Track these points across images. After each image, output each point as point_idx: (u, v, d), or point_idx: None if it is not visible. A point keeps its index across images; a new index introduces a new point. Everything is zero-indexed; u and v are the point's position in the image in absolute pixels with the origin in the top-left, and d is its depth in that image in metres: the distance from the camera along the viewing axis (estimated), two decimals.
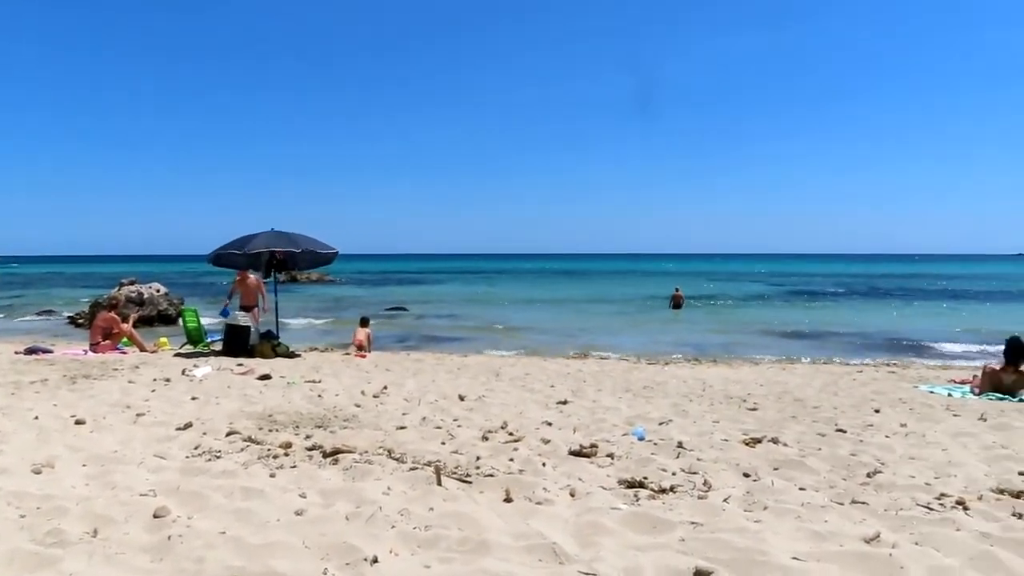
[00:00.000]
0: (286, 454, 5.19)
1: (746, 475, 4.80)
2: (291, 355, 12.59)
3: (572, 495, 4.29)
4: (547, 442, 5.73)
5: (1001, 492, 4.34)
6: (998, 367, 8.92)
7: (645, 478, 4.63)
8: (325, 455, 5.13)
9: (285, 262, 14.31)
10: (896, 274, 75.37)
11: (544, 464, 5.02)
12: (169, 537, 3.48)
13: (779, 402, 8.13)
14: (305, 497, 4.15)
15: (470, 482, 4.50)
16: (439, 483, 4.41)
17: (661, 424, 6.64)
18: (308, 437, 5.76)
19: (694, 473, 4.82)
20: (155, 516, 3.76)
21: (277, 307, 14.45)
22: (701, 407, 7.67)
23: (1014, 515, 3.89)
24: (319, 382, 9.21)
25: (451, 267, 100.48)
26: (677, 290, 31.33)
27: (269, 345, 12.51)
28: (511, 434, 6.04)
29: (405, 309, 30.14)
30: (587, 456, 5.27)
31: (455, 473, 4.70)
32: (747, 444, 5.70)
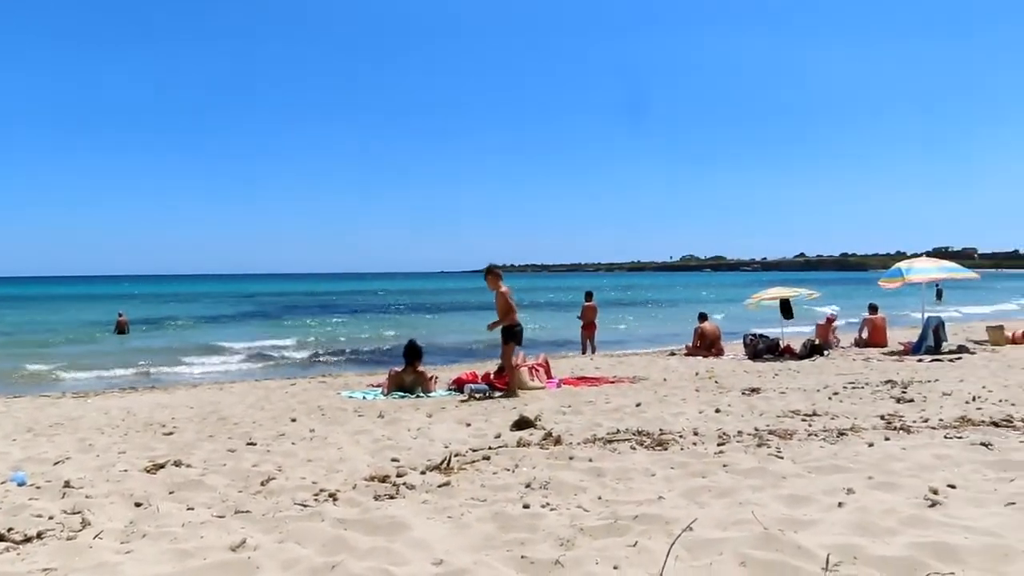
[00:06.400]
0: None
1: (138, 504, 4.55)
2: None
3: None
4: None
5: (372, 479, 4.91)
6: (400, 369, 10.22)
7: (10, 529, 4.03)
8: None
9: None
10: (342, 291, 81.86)
11: None
12: None
13: (202, 423, 8.00)
14: None
15: None
16: None
17: (56, 463, 5.93)
18: None
19: (77, 512, 4.37)
20: None
21: None
22: (112, 438, 7.10)
23: (375, 498, 4.42)
24: None
25: None
26: (121, 315, 28.95)
27: None
28: None
29: None
30: None
31: None
32: (149, 471, 5.43)
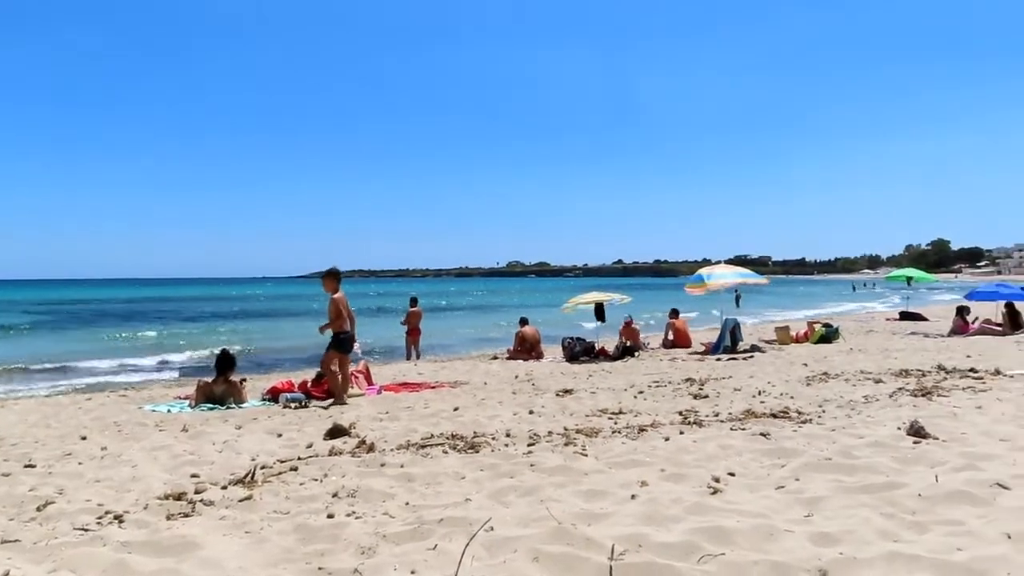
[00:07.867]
0: None
1: None
2: None
3: None
4: None
5: (166, 497, 4.62)
6: (210, 380, 9.69)
7: None
8: None
9: None
10: (154, 298, 76.70)
11: None
12: None
13: None
14: None
15: None
16: None
17: None
18: None
19: None
20: None
21: None
22: None
23: (167, 517, 4.16)
24: None
25: None
26: None
27: None
28: None
29: None
30: None
31: None
32: None
